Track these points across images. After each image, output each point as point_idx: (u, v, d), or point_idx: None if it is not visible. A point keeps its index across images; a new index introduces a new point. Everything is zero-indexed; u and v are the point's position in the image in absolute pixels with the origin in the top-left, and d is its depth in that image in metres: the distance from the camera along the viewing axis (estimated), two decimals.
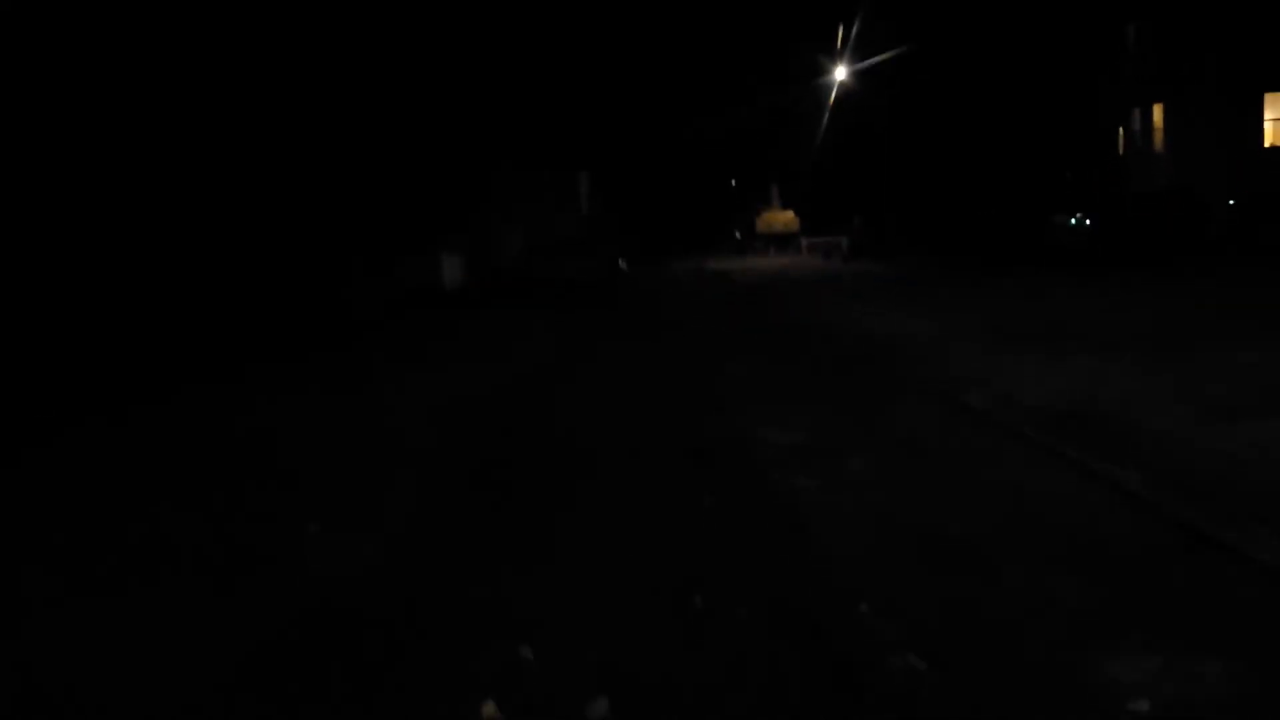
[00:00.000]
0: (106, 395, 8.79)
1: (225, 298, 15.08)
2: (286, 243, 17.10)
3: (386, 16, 21.06)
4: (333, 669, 2.77)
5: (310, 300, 17.18)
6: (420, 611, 3.18)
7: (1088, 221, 27.01)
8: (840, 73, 37.97)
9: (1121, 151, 33.61)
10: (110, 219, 13.11)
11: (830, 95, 40.22)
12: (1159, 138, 30.90)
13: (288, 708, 2.55)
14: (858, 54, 35.78)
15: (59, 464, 6.13)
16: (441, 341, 13.14)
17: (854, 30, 34.61)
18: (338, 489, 4.94)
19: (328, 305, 17.46)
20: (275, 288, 16.35)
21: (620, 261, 27.62)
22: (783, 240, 53.42)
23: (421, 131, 23.15)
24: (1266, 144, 25.29)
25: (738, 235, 65.79)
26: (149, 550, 4.03)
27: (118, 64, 13.25)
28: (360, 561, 3.75)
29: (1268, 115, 25.39)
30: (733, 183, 69.98)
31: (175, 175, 14.51)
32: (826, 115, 43.22)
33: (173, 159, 14.43)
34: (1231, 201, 23.35)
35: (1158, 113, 30.93)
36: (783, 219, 56.29)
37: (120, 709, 2.62)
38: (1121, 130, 33.66)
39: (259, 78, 16.39)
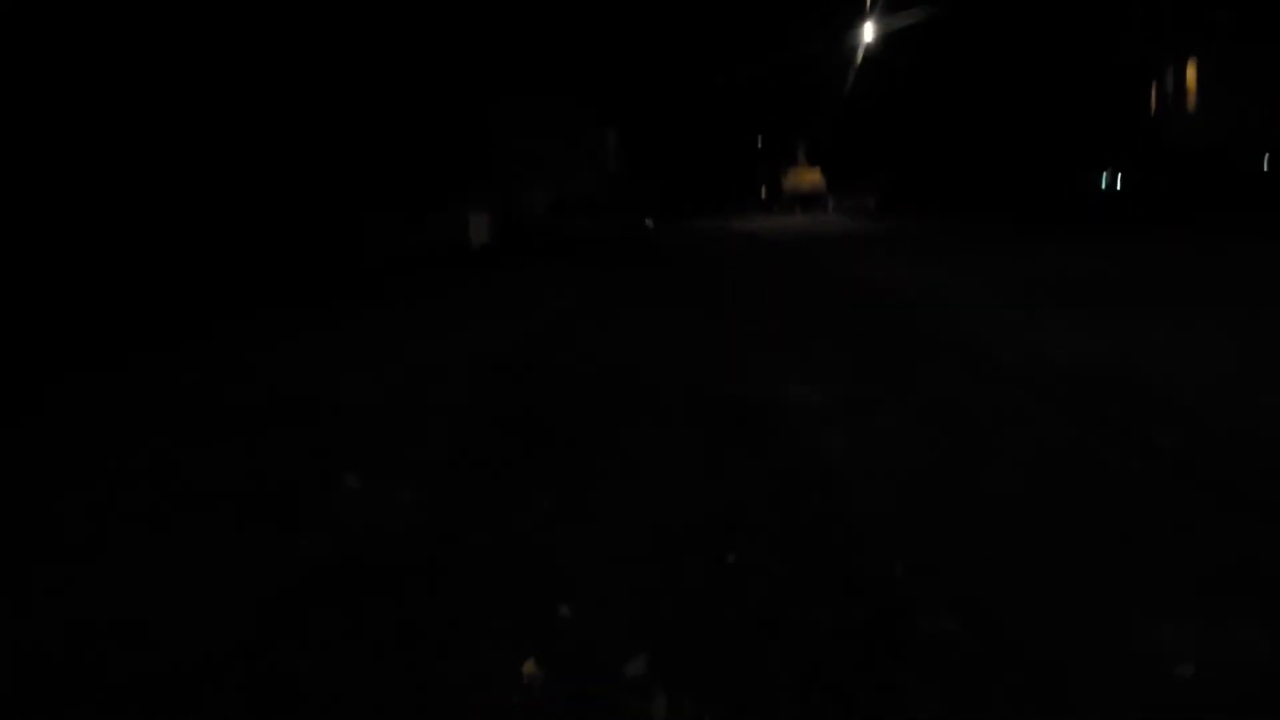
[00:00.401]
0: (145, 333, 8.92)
1: (257, 248, 15.21)
2: (314, 199, 17.17)
3: None
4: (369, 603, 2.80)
5: (334, 255, 17.29)
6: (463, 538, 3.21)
7: (1119, 179, 26.60)
8: (868, 29, 37.41)
9: (1154, 110, 32.97)
10: (136, 162, 13.15)
11: (858, 51, 39.66)
12: (1192, 96, 30.25)
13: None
14: (886, 8, 35.21)
15: (95, 395, 6.25)
16: (469, 296, 13.16)
17: None
18: (370, 431, 4.98)
19: (353, 259, 17.55)
20: (302, 242, 16.47)
21: (647, 220, 27.48)
22: (809, 199, 53.05)
23: (449, 86, 23.02)
24: None
25: (764, 193, 65.33)
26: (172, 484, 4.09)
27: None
28: (397, 503, 3.79)
29: None
30: (759, 141, 69.36)
31: (196, 130, 14.53)
32: (853, 72, 42.66)
33: (193, 117, 14.43)
34: (1267, 161, 22.91)
35: (1191, 70, 30.27)
36: (809, 177, 55.85)
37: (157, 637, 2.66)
38: (1155, 87, 32.98)
39: (285, 22, 16.31)
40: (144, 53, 13.39)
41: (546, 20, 29.28)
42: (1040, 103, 35.80)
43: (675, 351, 7.38)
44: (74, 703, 2.42)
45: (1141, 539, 3.13)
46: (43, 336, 9.80)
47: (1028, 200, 29.15)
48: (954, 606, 2.69)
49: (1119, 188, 27.70)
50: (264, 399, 6.29)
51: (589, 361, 7.14)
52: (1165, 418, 4.57)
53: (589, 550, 3.31)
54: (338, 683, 2.46)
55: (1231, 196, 21.19)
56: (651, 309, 10.45)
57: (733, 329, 8.53)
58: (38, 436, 5.66)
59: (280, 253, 15.69)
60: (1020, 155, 35.65)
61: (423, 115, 21.83)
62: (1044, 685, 2.28)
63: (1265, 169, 22.56)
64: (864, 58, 39.47)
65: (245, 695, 2.41)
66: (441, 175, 22.63)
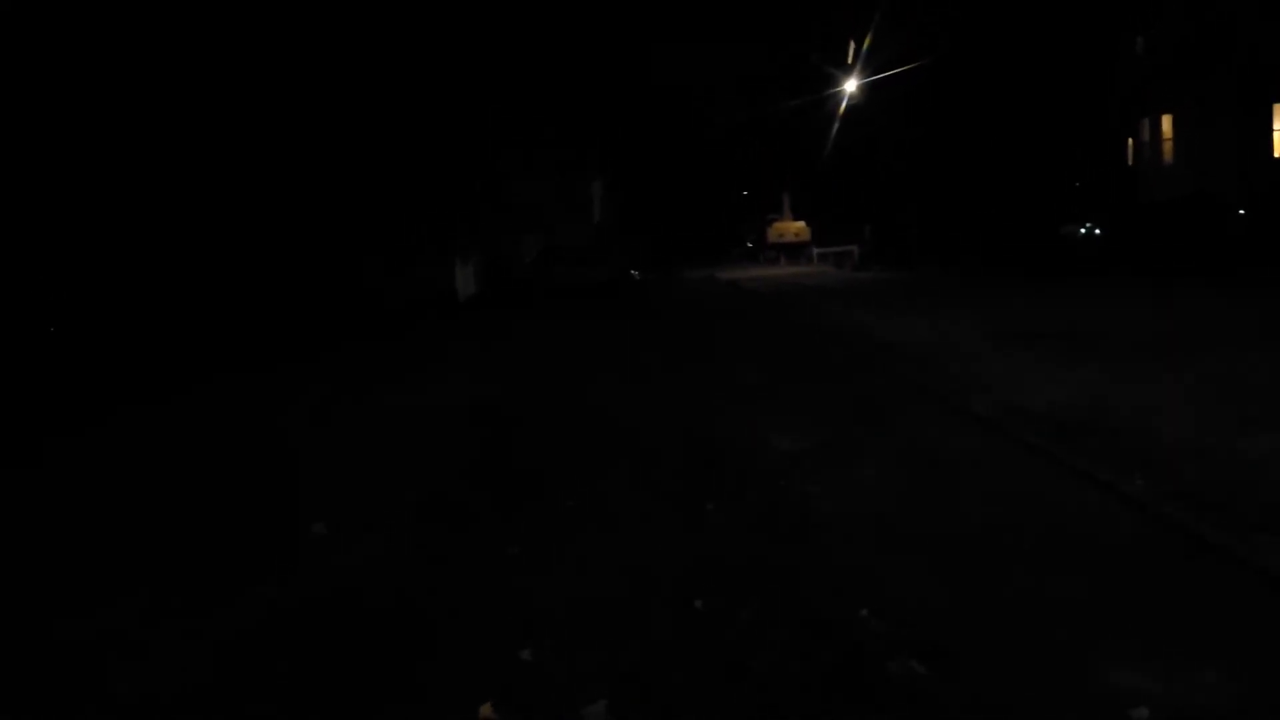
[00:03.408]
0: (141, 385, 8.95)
1: (245, 303, 15.29)
2: (302, 250, 17.27)
3: (401, 28, 21.17)
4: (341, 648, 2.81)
5: (326, 306, 17.32)
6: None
7: (1097, 231, 26.99)
8: (851, 83, 38.07)
9: (1131, 162, 33.57)
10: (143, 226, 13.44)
11: (841, 105, 40.30)
12: (1168, 148, 30.85)
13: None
14: (869, 65, 35.87)
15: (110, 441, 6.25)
16: (456, 347, 13.20)
17: (865, 41, 34.72)
18: (345, 483, 4.99)
19: (342, 311, 17.57)
20: (292, 294, 16.51)
21: (633, 270, 27.67)
22: (794, 249, 53.50)
23: (435, 138, 23.25)
24: (1276, 154, 25.22)
25: (749, 244, 65.83)
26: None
27: (153, 83, 13.63)
28: (364, 551, 3.80)
29: (1277, 126, 25.33)
30: (744, 192, 70.07)
31: (188, 181, 14.71)
32: (836, 125, 43.31)
33: (178, 166, 14.59)
34: (1241, 211, 23.29)
35: (1166, 123, 30.90)
36: (794, 228, 56.40)
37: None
38: (1131, 140, 33.62)
39: (282, 92, 16.57)
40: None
41: (535, 74, 29.72)
42: (1019, 156, 36.43)
43: (659, 400, 7.43)
44: None
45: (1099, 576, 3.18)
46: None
47: (1008, 252, 29.49)
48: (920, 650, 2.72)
49: (1097, 238, 28.07)
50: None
51: (574, 411, 7.17)
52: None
53: (558, 594, 3.33)
54: None
55: (1205, 247, 21.50)
56: (636, 359, 10.50)
57: (718, 379, 8.58)
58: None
59: (271, 305, 15.74)
60: (1000, 207, 36.16)
61: (410, 166, 22.02)
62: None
63: (1238, 220, 22.95)
64: (848, 110, 40.11)
65: None
66: (428, 225, 22.78)
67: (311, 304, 16.96)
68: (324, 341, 14.27)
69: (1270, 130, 25.43)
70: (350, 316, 17.38)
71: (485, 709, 2.42)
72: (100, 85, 13.01)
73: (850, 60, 36.54)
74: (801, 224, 57.19)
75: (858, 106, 39.52)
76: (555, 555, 3.79)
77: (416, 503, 4.72)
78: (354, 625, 3.19)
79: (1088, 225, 27.37)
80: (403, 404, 8.00)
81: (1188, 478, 4.34)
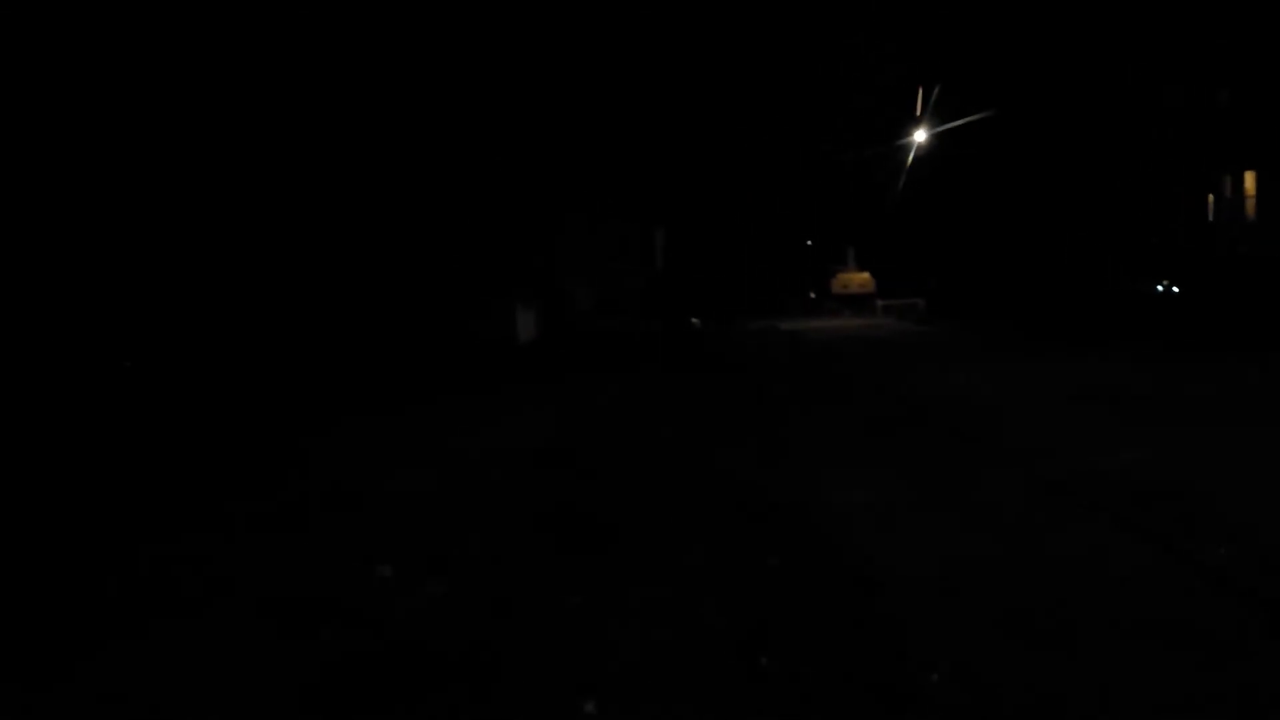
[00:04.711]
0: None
1: (311, 354, 15.74)
2: (369, 300, 17.72)
3: (462, 76, 21.70)
4: None
5: (391, 354, 17.66)
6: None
7: (1175, 289, 26.31)
8: (919, 135, 37.93)
9: (1211, 218, 32.80)
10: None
11: (909, 157, 40.14)
12: (1251, 204, 30.10)
13: None
14: (937, 117, 35.75)
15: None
16: (517, 391, 13.29)
17: (934, 93, 34.65)
18: (411, 526, 5.03)
19: (408, 358, 17.88)
20: (359, 343, 16.90)
21: (693, 319, 27.70)
22: (858, 301, 53.11)
23: (497, 186, 23.69)
24: None
25: (812, 295, 65.54)
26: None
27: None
28: (427, 595, 3.81)
29: None
30: (808, 242, 69.96)
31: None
32: (903, 177, 43.11)
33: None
34: None
35: (1250, 179, 30.18)
36: (858, 279, 56.06)
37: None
38: (1211, 196, 32.89)
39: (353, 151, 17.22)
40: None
41: (599, 126, 30.19)
42: (1092, 208, 35.82)
43: (719, 459, 7.38)
44: None
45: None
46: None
47: (1079, 308, 28.89)
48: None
49: (1174, 296, 27.39)
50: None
51: (637, 462, 7.16)
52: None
53: (623, 644, 3.30)
54: None
55: None
56: (695, 416, 10.46)
57: (784, 447, 8.50)
58: None
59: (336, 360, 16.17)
60: (1071, 261, 35.54)
61: (476, 217, 22.45)
62: None
63: None
64: (915, 161, 39.94)
65: None
66: (490, 272, 23.13)
67: (373, 350, 17.30)
68: (391, 390, 14.47)
69: None
70: (415, 362, 17.66)
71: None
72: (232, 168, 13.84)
73: (918, 111, 36.47)
74: (866, 275, 56.80)
75: (925, 157, 39.34)
76: (618, 605, 3.76)
77: (482, 546, 4.74)
78: (416, 672, 3.20)
79: (1165, 283, 26.69)
80: (467, 446, 8.07)
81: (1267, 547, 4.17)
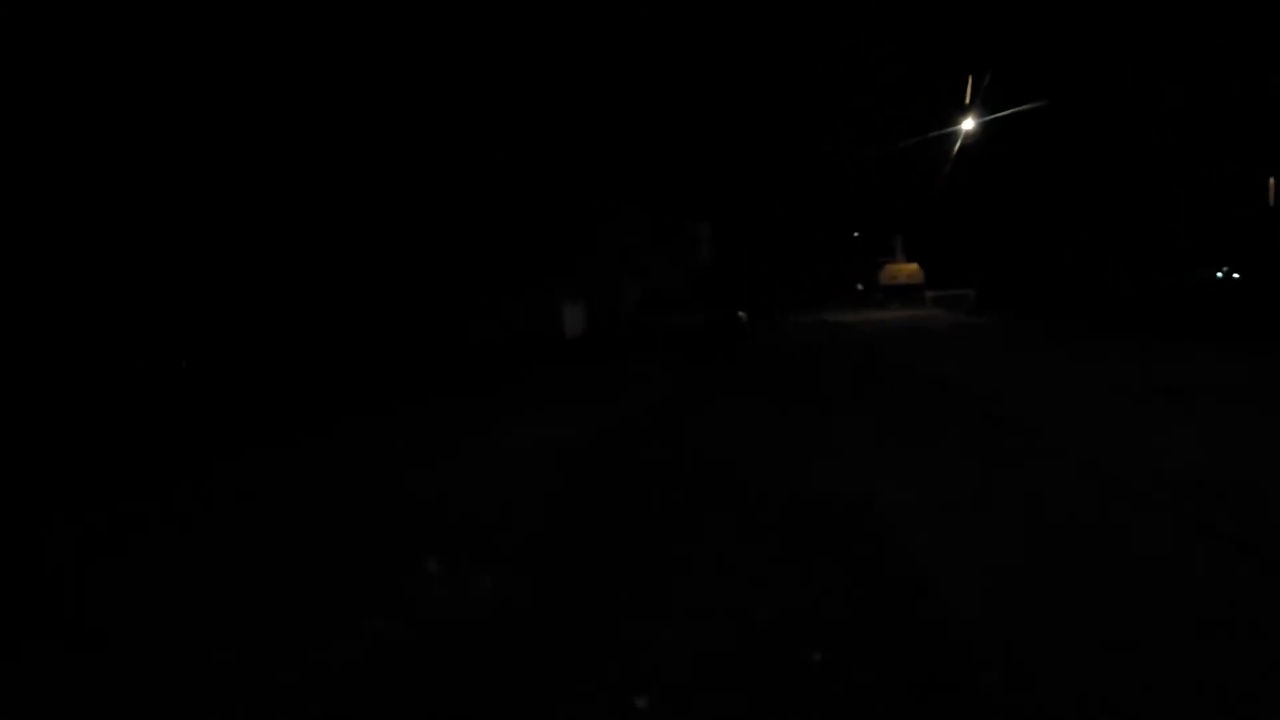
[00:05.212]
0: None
1: (376, 346, 15.98)
2: (421, 299, 17.94)
3: (511, 74, 21.81)
4: None
5: (442, 348, 17.87)
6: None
7: (1235, 275, 25.62)
8: (967, 123, 37.32)
9: (1272, 202, 31.88)
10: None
11: (955, 146, 39.56)
12: None
13: None
14: (987, 105, 35.16)
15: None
16: (568, 387, 13.31)
17: (984, 81, 34.06)
18: (462, 519, 5.01)
19: (461, 352, 18.05)
20: (411, 338, 17.13)
21: (740, 313, 27.53)
22: (906, 293, 52.58)
23: (542, 182, 23.78)
24: None
25: (859, 287, 64.99)
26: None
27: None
28: (475, 588, 3.78)
29: None
30: (855, 234, 69.34)
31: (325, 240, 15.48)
32: (950, 166, 42.49)
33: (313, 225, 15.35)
34: None
35: None
36: (906, 271, 55.52)
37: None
38: (1272, 181, 31.96)
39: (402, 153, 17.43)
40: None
41: (646, 123, 30.15)
42: (1149, 194, 34.96)
43: (767, 451, 7.28)
44: None
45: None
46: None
47: (1138, 297, 28.23)
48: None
49: (1235, 283, 26.63)
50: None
51: (685, 456, 7.09)
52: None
53: (672, 641, 3.23)
54: None
55: None
56: (745, 410, 10.36)
57: (818, 427, 8.38)
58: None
59: (391, 352, 16.39)
60: (1130, 251, 34.73)
61: (525, 212, 22.56)
62: None
63: None
64: (963, 150, 39.30)
65: None
66: (538, 268, 23.22)
67: (428, 346, 17.51)
68: (441, 383, 14.58)
69: None
70: (468, 355, 17.82)
71: None
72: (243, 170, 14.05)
73: (968, 99, 35.89)
74: (914, 266, 56.23)
75: (976, 144, 38.73)
76: (665, 600, 3.70)
77: (526, 539, 4.70)
78: (465, 667, 3.16)
79: (1225, 269, 26.01)
80: (517, 445, 8.05)
81: None
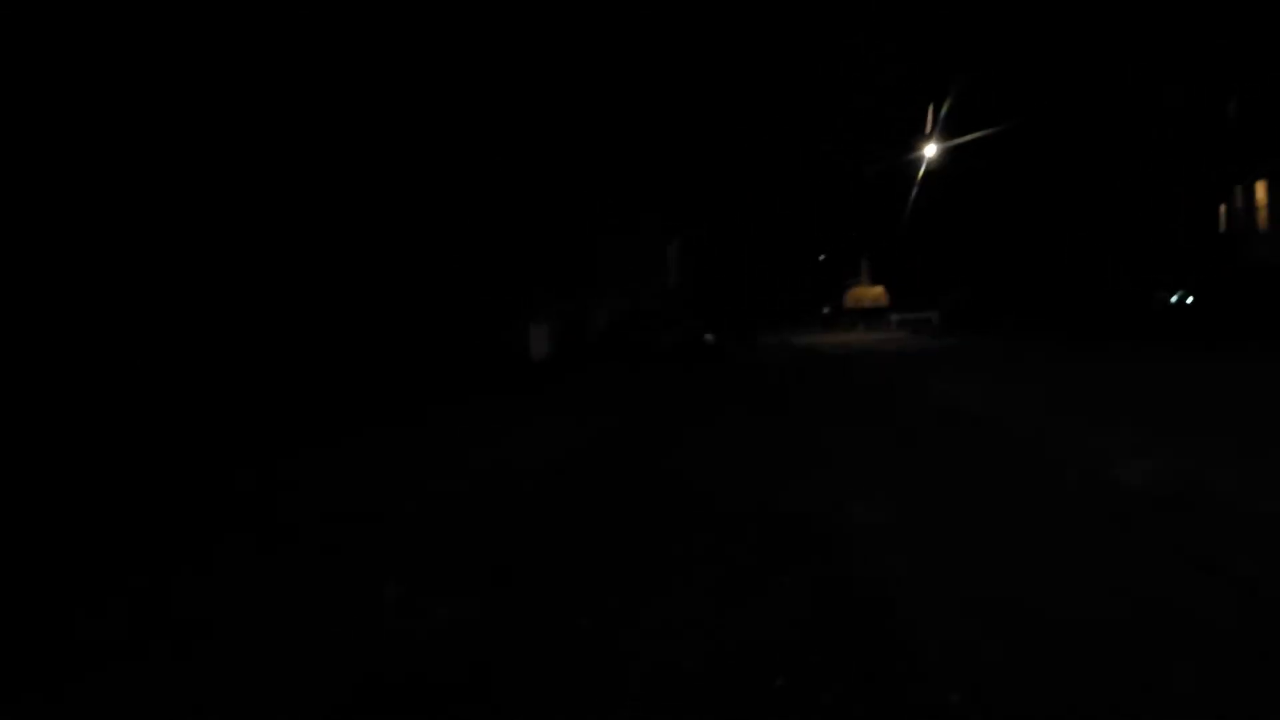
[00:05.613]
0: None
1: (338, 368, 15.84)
2: (392, 321, 17.82)
3: (474, 105, 21.81)
4: None
5: (413, 370, 17.75)
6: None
7: (1189, 299, 26.18)
8: (928, 150, 37.86)
9: (1224, 228, 32.65)
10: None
11: (920, 170, 40.08)
12: (1262, 215, 29.94)
13: None
14: (949, 130, 35.70)
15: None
16: (529, 403, 13.24)
17: (945, 106, 34.60)
18: (420, 543, 4.95)
19: (413, 373, 17.91)
20: (366, 365, 16.98)
21: (707, 335, 27.59)
22: (872, 315, 53.01)
23: (512, 196, 23.75)
24: None
25: (826, 310, 65.48)
26: None
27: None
28: (436, 616, 3.73)
29: None
30: (821, 257, 69.93)
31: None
32: (916, 189, 43.06)
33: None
34: None
35: (1261, 189, 30.04)
36: (871, 293, 56.05)
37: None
38: (1223, 207, 32.73)
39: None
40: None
41: (613, 141, 30.25)
42: (1106, 221, 35.63)
43: (738, 470, 7.28)
44: None
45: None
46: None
47: (1095, 319, 28.74)
48: None
49: (1190, 305, 27.19)
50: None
51: (650, 483, 7.07)
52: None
53: (636, 662, 3.20)
54: None
55: None
56: (717, 443, 10.37)
57: (783, 450, 8.40)
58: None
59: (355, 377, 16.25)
60: (1087, 274, 35.33)
61: (489, 231, 22.49)
62: None
63: None
64: (928, 174, 39.85)
65: None
66: (503, 288, 23.15)
67: (399, 365, 17.36)
68: (391, 408, 14.46)
69: None
70: (422, 379, 17.69)
71: None
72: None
73: (929, 127, 36.43)
74: (880, 289, 56.78)
75: (937, 171, 39.27)
76: (631, 624, 3.66)
77: (490, 567, 4.65)
78: (425, 694, 3.11)
79: (1180, 293, 26.57)
80: (481, 463, 7.99)
81: None
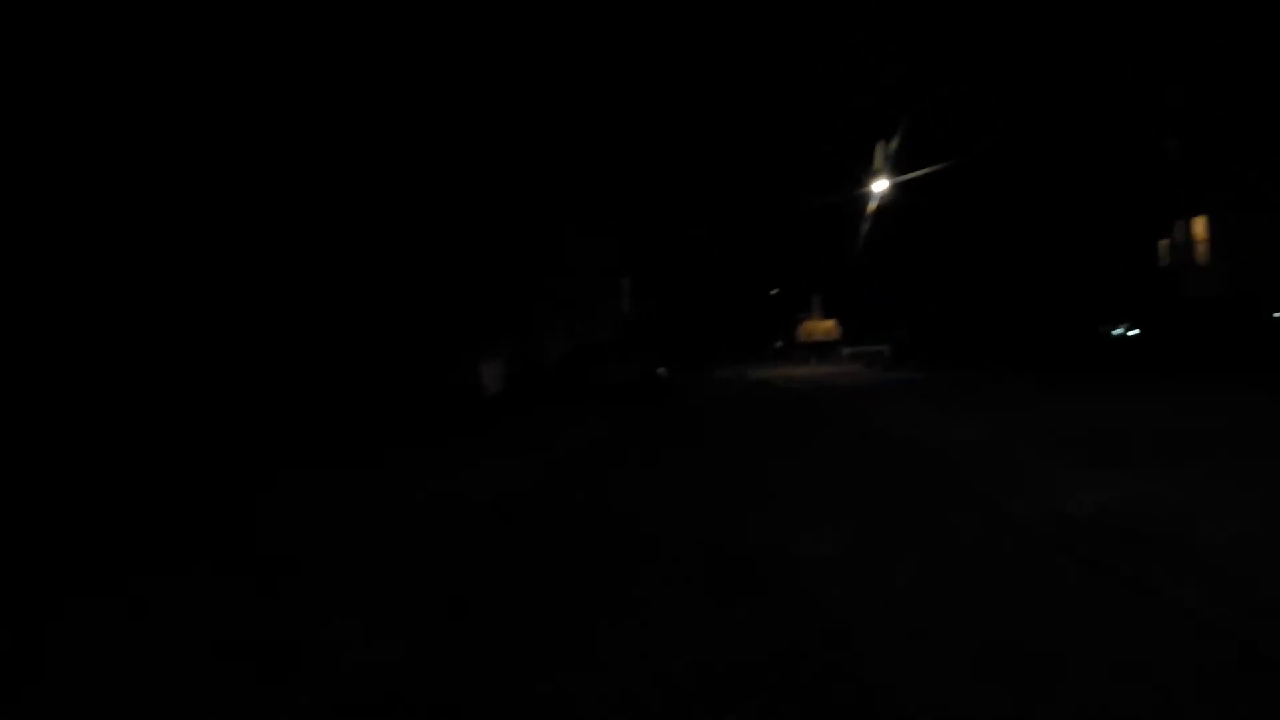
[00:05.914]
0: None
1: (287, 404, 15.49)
2: (328, 355, 17.49)
3: (429, 137, 21.75)
4: None
5: (362, 406, 17.43)
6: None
7: (1132, 332, 26.80)
8: (880, 183, 38.45)
9: (1165, 262, 33.56)
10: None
11: (871, 205, 40.67)
12: (1201, 249, 30.82)
13: None
14: (899, 166, 36.32)
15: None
16: (480, 445, 13.08)
17: (894, 143, 35.23)
18: (368, 581, 4.81)
19: (365, 411, 17.61)
20: (319, 399, 16.65)
21: (660, 369, 27.56)
22: (823, 349, 53.54)
23: (467, 230, 23.64)
24: None
25: (778, 344, 65.97)
26: None
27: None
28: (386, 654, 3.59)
29: None
30: (773, 291, 70.53)
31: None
32: (866, 226, 43.68)
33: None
34: (1277, 314, 23.00)
35: (1199, 225, 30.94)
36: (823, 328, 56.65)
37: None
38: (1166, 242, 33.66)
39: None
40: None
41: (567, 175, 30.33)
42: (1049, 255, 36.43)
43: (689, 512, 7.22)
44: None
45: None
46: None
47: (1041, 353, 29.26)
48: None
49: (1132, 339, 27.81)
50: None
51: (600, 522, 6.98)
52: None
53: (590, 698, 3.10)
54: None
55: (1244, 347, 21.17)
56: (672, 483, 10.30)
57: (735, 483, 8.36)
58: None
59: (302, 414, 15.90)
60: (1032, 307, 36.01)
61: (439, 266, 22.33)
62: None
63: (1275, 318, 22.65)
64: (878, 210, 40.43)
65: None
66: (453, 323, 22.96)
67: (332, 405, 17.01)
68: (349, 446, 14.21)
69: None
70: (375, 416, 17.40)
71: None
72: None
73: (878, 163, 37.05)
74: (831, 323, 57.42)
75: (889, 207, 39.89)
76: (584, 659, 3.56)
77: (439, 603, 4.52)
78: None
79: (1124, 326, 27.21)
80: (436, 494, 7.85)
81: (1239, 584, 4.06)
